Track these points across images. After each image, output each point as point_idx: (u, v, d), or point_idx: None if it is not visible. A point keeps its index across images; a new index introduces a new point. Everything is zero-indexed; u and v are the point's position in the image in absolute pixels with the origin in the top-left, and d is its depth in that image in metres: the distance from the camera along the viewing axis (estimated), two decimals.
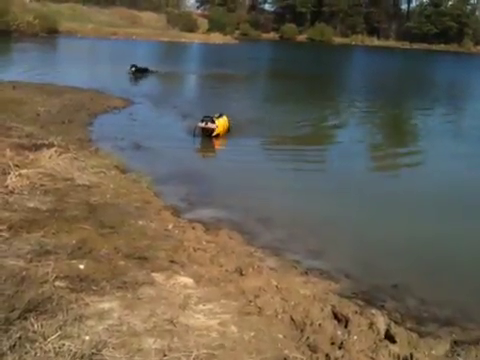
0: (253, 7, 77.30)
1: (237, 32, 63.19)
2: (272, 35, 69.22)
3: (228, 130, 9.12)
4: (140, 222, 4.14)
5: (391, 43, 65.66)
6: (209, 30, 57.09)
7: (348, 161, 7.81)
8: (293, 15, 70.79)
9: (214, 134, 8.58)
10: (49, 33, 37.39)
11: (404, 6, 75.11)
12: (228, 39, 50.63)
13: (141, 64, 17.44)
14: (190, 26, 54.56)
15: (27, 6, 42.58)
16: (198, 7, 76.42)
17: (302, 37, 66.12)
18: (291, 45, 53.89)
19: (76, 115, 9.15)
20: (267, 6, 78.49)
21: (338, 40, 65.17)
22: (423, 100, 16.45)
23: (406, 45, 63.36)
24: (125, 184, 5.16)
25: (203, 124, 8.54)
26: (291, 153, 8.29)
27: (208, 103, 12.08)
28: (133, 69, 16.82)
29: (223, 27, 57.56)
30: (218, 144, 8.45)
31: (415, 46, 62.05)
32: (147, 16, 58.04)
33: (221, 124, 8.79)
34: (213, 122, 8.58)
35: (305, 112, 12.12)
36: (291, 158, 7.97)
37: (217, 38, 49.29)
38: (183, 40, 44.81)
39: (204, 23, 60.92)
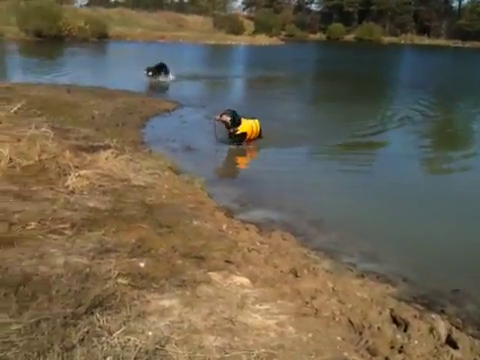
0: (299, 8, 77.00)
1: (283, 33, 63.09)
2: (319, 35, 68.72)
3: (259, 135, 8.70)
4: (195, 222, 4.22)
5: (442, 42, 63.82)
6: (255, 32, 57.30)
7: (401, 164, 7.65)
8: (340, 15, 70.01)
9: (235, 131, 8.09)
10: (99, 38, 38.53)
11: (455, 3, 72.93)
12: (274, 40, 50.62)
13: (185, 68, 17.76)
14: (236, 28, 54.89)
15: (78, 12, 44.06)
16: (244, 9, 76.85)
17: (349, 37, 65.30)
18: (338, 45, 53.28)
19: (129, 118, 9.41)
20: (313, 6, 77.99)
21: (387, 39, 63.91)
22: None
23: (458, 43, 61.37)
24: (179, 185, 5.26)
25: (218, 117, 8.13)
26: (341, 156, 8.21)
27: (254, 105, 12.12)
28: (150, 73, 16.06)
29: (269, 28, 57.61)
30: (265, 146, 8.44)
31: (467, 44, 59.98)
32: (193, 19, 58.87)
33: (248, 126, 8.35)
34: (233, 120, 8.01)
35: (354, 113, 11.96)
36: (341, 161, 7.89)
37: (263, 40, 49.38)
38: (229, 42, 45.14)
39: (250, 25, 61.18)
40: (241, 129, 8.24)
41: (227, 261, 3.53)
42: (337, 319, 2.93)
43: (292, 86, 18.65)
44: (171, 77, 16.66)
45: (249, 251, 3.82)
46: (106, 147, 6.10)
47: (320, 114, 12.03)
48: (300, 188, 6.16)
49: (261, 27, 58.30)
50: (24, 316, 2.36)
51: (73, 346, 2.19)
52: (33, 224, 3.66)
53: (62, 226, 3.71)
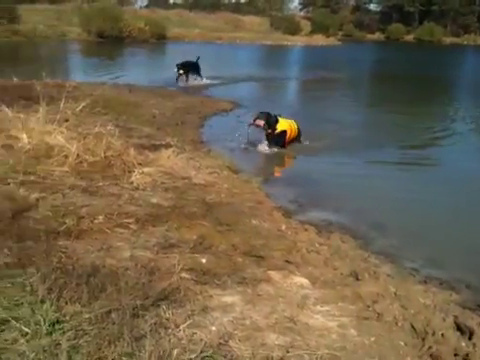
0: (357, 8, 75.72)
1: (340, 33, 62.24)
2: (377, 36, 67.31)
3: (296, 138, 8.28)
4: (254, 221, 4.26)
5: None
6: (312, 32, 56.91)
7: (466, 169, 7.37)
8: (400, 15, 68.29)
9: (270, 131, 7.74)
10: (158, 39, 39.48)
11: None
12: (331, 41, 50.07)
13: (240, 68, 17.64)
14: (293, 29, 54.75)
15: (138, 13, 45.29)
16: (301, 10, 76.44)
17: (409, 37, 63.54)
18: (398, 46, 51.96)
19: (188, 117, 9.60)
20: (372, 6, 76.47)
21: (448, 40, 61.66)
22: None
23: None
24: (238, 184, 5.32)
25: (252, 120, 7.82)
26: (401, 159, 7.97)
27: (310, 107, 12.06)
28: (181, 72, 14.95)
29: (326, 29, 57.02)
30: (322, 148, 8.34)
31: None
32: (250, 20, 59.14)
33: (286, 124, 7.96)
34: (268, 122, 7.67)
35: (415, 116, 11.65)
36: (401, 164, 7.66)
37: (320, 40, 48.99)
38: (286, 43, 45.05)
39: (307, 25, 60.85)
40: (280, 127, 7.88)
41: (286, 261, 3.54)
42: (400, 324, 2.88)
43: (350, 88, 18.36)
44: (203, 79, 15.68)
45: (308, 252, 3.81)
46: (167, 146, 6.26)
47: (379, 116, 11.78)
48: (358, 191, 6.07)
49: (318, 27, 57.84)
50: (95, 306, 2.47)
51: (142, 336, 2.27)
52: (100, 218, 3.82)
53: (127, 221, 3.85)
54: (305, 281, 3.23)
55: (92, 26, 36.84)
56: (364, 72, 25.15)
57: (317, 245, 4.05)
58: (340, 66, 25.55)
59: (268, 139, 7.91)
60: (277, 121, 7.84)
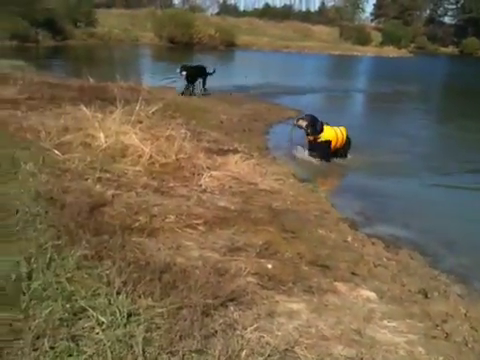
0: (431, 20, 73.47)
1: (412, 45, 60.61)
2: (451, 49, 65.06)
3: (343, 148, 7.70)
4: (320, 231, 4.24)
5: None
6: (382, 43, 55.75)
7: None
8: (476, 28, 65.53)
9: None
10: (227, 46, 40.13)
11: None
12: (403, 53, 48.94)
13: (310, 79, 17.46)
14: (363, 39, 53.93)
15: (209, 20, 46.24)
16: (372, 20, 75.08)
17: None
18: (473, 60, 49.91)
19: (254, 124, 9.70)
20: (447, 19, 73.92)
21: None
22: None
23: None
24: (303, 192, 5.32)
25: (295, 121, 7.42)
26: (473, 179, 7.62)
27: (379, 120, 11.81)
28: (183, 73, 12.13)
29: (397, 40, 55.69)
30: (391, 161, 8.11)
31: None
32: (319, 29, 58.81)
33: (331, 133, 7.40)
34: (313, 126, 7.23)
35: None
36: (473, 184, 7.32)
37: (391, 51, 47.98)
38: (355, 53, 44.45)
39: (377, 36, 59.69)
40: (324, 136, 7.28)
41: (353, 273, 3.51)
42: (470, 346, 2.78)
43: (421, 101, 17.83)
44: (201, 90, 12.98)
45: (375, 266, 3.75)
46: (235, 151, 6.37)
47: (451, 132, 11.35)
48: (426, 208, 5.90)
49: (389, 39, 56.59)
50: (167, 301, 2.56)
51: (211, 335, 2.33)
52: (171, 217, 3.94)
53: (196, 222, 3.95)
54: (372, 295, 3.18)
55: (164, 31, 38.07)
56: (437, 86, 24.36)
57: (385, 260, 3.98)
58: (411, 79, 24.85)
59: (310, 147, 7.45)
60: (321, 130, 7.31)
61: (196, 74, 12.70)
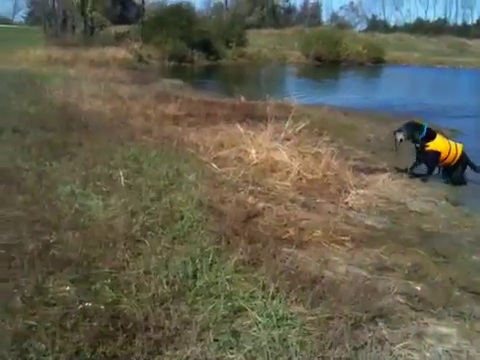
0: None
1: None
2: None
3: (455, 168, 6.64)
4: (474, 257, 4.05)
5: None
6: None
7: None
8: None
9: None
10: (375, 62, 39.24)
11: None
12: None
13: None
14: None
15: (357, 37, 45.75)
16: None
17: None
18: None
19: (404, 143, 9.40)
20: None
21: None
22: None
23: None
24: (457, 216, 5.09)
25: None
26: None
27: None
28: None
29: None
30: None
31: None
32: (477, 44, 54.57)
33: (443, 145, 6.51)
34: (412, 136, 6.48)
35: None
36: None
37: None
38: None
39: None
40: (432, 145, 6.47)
41: None
42: None
43: None
44: None
45: None
46: (382, 170, 6.32)
47: None
48: None
49: None
50: (317, 310, 2.71)
51: (361, 347, 2.43)
52: (318, 232, 4.10)
53: (343, 238, 4.05)
54: None
55: (311, 50, 38.56)
56: None
57: None
58: None
59: (416, 156, 6.67)
60: (432, 137, 6.52)
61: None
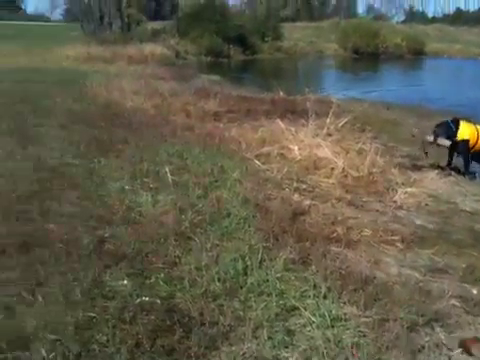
0: None
1: None
2: None
3: None
4: None
5: None
6: None
7: None
8: None
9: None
10: (415, 54, 38.36)
11: None
12: None
13: None
14: None
15: (395, 28, 44.74)
16: None
17: None
18: None
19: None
20: None
21: None
22: None
23: None
24: None
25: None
26: None
27: None
28: None
29: None
30: None
31: None
32: None
33: (468, 130, 6.20)
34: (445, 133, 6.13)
35: None
36: None
37: None
38: None
39: None
40: (460, 135, 6.18)
41: None
42: None
43: None
44: None
45: None
46: (430, 167, 6.17)
47: None
48: None
49: None
50: (372, 312, 2.67)
51: (417, 350, 2.39)
52: (367, 231, 4.03)
53: (393, 238, 3.97)
54: None
55: (348, 42, 37.98)
56: None
57: None
58: None
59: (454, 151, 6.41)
60: (457, 127, 6.22)
61: None
